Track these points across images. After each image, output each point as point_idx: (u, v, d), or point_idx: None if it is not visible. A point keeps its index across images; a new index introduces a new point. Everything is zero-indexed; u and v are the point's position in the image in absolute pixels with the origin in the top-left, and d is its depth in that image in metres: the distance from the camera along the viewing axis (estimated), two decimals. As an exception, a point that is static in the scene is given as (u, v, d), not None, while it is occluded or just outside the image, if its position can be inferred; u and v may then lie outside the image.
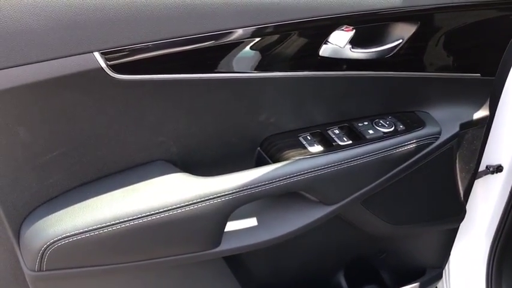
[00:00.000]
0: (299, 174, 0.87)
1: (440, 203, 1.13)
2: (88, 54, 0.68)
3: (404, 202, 1.08)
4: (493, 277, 1.41)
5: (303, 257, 1.10)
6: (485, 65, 1.02)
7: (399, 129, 0.97)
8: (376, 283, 1.26)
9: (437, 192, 1.10)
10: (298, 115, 0.93)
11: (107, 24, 0.68)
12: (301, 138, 0.93)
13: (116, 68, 0.71)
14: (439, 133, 1.00)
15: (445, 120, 1.02)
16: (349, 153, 0.91)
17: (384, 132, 0.96)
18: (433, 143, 0.99)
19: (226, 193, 0.81)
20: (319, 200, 0.93)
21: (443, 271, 1.34)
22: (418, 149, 0.98)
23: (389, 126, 0.97)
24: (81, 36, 0.67)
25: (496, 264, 1.41)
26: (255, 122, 0.90)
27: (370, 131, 0.96)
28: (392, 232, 1.10)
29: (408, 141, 0.96)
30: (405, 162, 0.97)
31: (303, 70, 0.87)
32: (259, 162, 0.92)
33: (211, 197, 0.80)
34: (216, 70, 0.80)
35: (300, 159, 0.88)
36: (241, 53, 0.80)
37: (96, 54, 0.69)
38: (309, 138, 0.93)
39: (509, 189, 1.27)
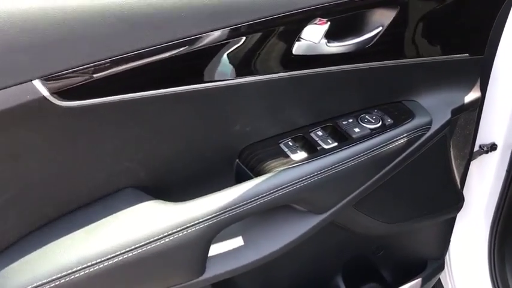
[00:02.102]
0: (285, 187, 0.78)
1: (437, 194, 1.06)
2: (27, 83, 0.59)
3: (399, 199, 1.01)
4: (495, 259, 1.36)
5: (297, 265, 1.02)
6: (473, 44, 0.95)
7: (387, 124, 0.90)
8: (376, 281, 1.20)
9: (433, 184, 1.03)
10: (276, 120, 0.85)
11: (45, 47, 0.59)
12: (282, 145, 0.85)
13: (62, 95, 0.61)
14: (430, 123, 0.92)
15: (435, 107, 0.95)
16: (335, 157, 0.83)
17: (371, 129, 0.88)
18: (424, 134, 0.92)
19: (206, 218, 0.73)
20: (309, 210, 0.86)
21: (445, 259, 1.28)
22: (409, 143, 0.90)
23: (376, 121, 0.89)
24: (16, 64, 0.58)
25: (497, 245, 1.35)
26: (230, 133, 0.81)
27: (356, 129, 0.88)
28: (389, 231, 1.03)
29: (398, 136, 0.89)
30: (396, 158, 0.90)
31: (277, 72, 0.78)
32: (240, 177, 0.84)
33: (190, 224, 0.72)
34: (179, 83, 0.71)
35: (283, 169, 0.80)
36: (206, 60, 0.72)
37: (36, 82, 0.59)
38: (291, 144, 0.85)
39: (505, 167, 1.21)
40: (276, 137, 0.86)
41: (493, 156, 1.19)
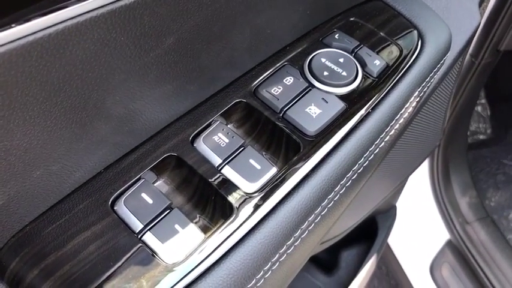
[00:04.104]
0: None
1: (427, 145, 0.60)
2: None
3: (381, 182, 0.53)
4: (439, 175, 1.01)
5: None
6: None
7: (374, 71, 0.36)
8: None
9: (427, 135, 0.56)
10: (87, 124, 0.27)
11: None
12: (123, 210, 0.29)
13: None
14: (449, 43, 0.41)
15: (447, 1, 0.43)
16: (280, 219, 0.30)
17: (343, 97, 0.35)
18: (439, 69, 0.41)
19: None
20: None
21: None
22: (419, 99, 0.40)
23: (348, 68, 0.36)
24: None
25: (441, 157, 1.00)
26: None
27: (311, 108, 0.33)
28: None
29: (404, 104, 0.37)
30: (392, 142, 0.39)
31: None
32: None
33: None
34: None
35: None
36: None
37: None
38: (154, 200, 0.29)
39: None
40: (100, 181, 0.29)
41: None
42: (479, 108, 1.24)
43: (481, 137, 1.23)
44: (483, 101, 1.25)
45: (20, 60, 0.20)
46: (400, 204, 0.89)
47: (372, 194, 0.54)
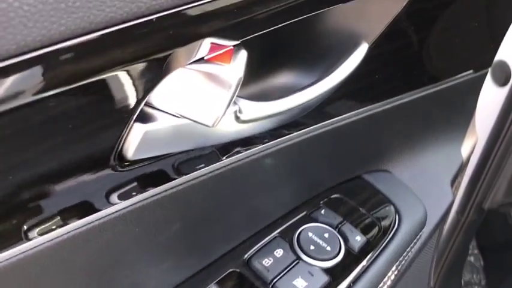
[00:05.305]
0: None
1: None
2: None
3: None
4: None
5: None
6: (480, 56, 0.49)
7: (355, 246, 0.41)
8: None
9: None
10: None
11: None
12: None
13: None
14: (424, 221, 0.46)
15: (423, 180, 0.49)
16: None
17: (328, 270, 0.39)
18: (413, 246, 0.45)
19: None
20: None
21: None
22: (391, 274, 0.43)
23: (332, 244, 0.40)
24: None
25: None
26: None
27: (297, 280, 0.37)
28: None
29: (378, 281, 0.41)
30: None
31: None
32: None
33: None
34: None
35: None
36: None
37: None
38: None
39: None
40: None
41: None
42: (472, 259, 1.26)
43: (476, 287, 1.24)
44: (476, 251, 1.27)
45: (58, 254, 0.25)
46: None
47: None
